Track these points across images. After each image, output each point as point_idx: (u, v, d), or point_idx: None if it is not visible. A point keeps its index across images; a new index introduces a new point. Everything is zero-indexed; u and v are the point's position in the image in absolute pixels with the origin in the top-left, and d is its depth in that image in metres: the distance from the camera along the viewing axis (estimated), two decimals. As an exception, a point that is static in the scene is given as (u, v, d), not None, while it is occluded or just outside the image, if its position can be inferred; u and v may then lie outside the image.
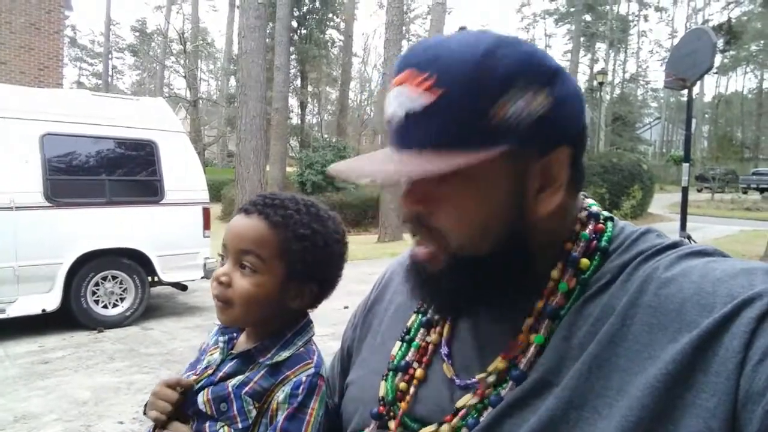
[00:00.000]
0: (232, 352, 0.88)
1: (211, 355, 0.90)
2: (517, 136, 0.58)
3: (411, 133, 0.59)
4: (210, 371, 0.85)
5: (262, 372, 0.82)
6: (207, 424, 0.81)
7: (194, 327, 5.98)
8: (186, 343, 5.36)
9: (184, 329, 5.89)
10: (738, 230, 15.10)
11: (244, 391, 0.81)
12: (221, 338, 0.90)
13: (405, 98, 0.59)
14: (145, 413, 0.87)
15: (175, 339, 5.53)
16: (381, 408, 0.71)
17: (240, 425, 0.79)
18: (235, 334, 0.90)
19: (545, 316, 0.64)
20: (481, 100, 0.56)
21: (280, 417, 0.79)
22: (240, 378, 0.82)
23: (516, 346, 0.64)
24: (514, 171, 0.61)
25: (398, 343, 0.77)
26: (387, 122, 0.63)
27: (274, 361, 0.83)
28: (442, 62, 0.57)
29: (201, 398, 0.82)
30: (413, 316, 0.79)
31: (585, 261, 0.66)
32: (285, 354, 0.84)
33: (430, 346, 0.74)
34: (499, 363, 0.65)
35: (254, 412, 0.80)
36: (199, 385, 0.84)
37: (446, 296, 0.66)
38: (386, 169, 0.62)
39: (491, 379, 0.64)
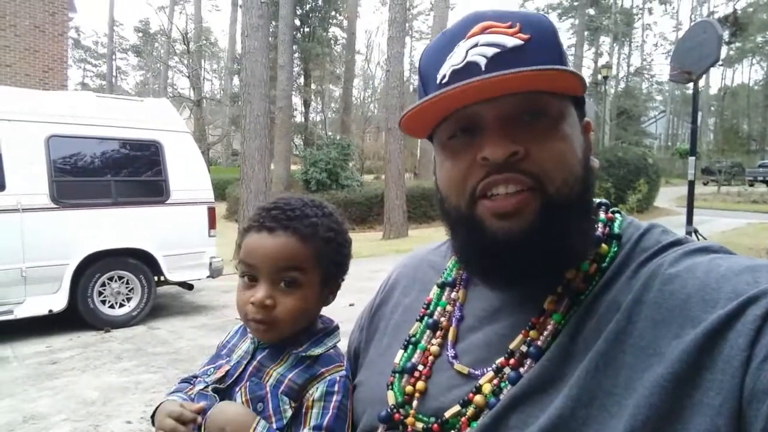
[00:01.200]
0: (263, 342, 0.89)
1: (240, 349, 0.90)
2: (581, 82, 0.63)
3: (508, 66, 0.58)
4: (241, 368, 0.86)
5: (297, 370, 0.83)
6: None
7: (201, 326, 6.01)
8: (193, 342, 5.38)
9: (191, 328, 5.92)
10: (745, 223, 15.01)
11: (280, 390, 0.81)
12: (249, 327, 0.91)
13: (496, 40, 0.61)
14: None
15: (182, 338, 5.55)
16: (396, 416, 0.70)
17: (275, 425, 0.79)
18: None
19: (566, 294, 0.65)
20: (560, 46, 0.65)
21: (323, 415, 0.79)
22: (275, 376, 0.83)
23: (537, 323, 0.65)
24: (578, 119, 0.67)
25: (400, 352, 0.77)
26: (459, 69, 0.61)
27: (307, 354, 0.84)
28: (520, 15, 0.63)
29: (239, 398, 0.83)
30: (416, 324, 0.79)
31: (604, 246, 0.68)
32: (317, 350, 0.85)
33: (436, 348, 0.74)
34: (519, 341, 0.65)
35: (289, 412, 0.80)
36: (233, 379, 0.85)
37: (527, 256, 0.61)
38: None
39: (511, 360, 0.65)
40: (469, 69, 0.60)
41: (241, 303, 0.85)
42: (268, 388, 0.82)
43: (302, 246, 0.84)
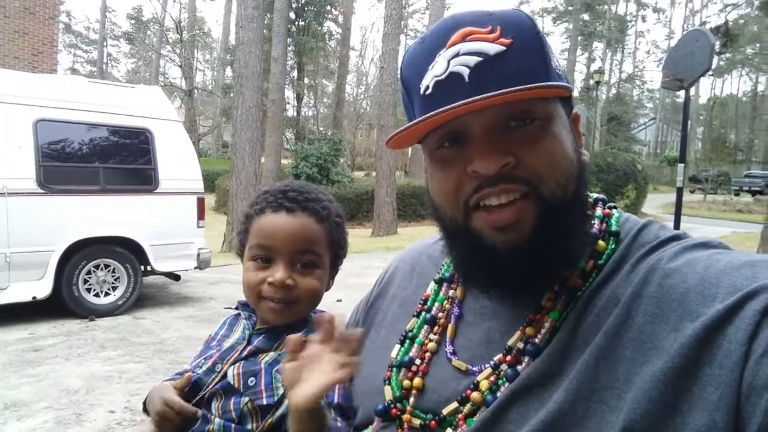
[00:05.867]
0: (258, 328, 0.88)
1: (232, 338, 0.90)
2: (566, 81, 0.62)
3: (492, 76, 0.59)
4: (237, 352, 0.86)
5: None
6: (232, 399, 0.81)
7: (187, 317, 5.96)
8: (178, 333, 5.34)
9: (177, 319, 5.88)
10: (730, 231, 15.20)
11: (275, 368, 0.81)
12: (243, 314, 0.91)
13: (477, 47, 0.60)
14: (145, 410, 0.87)
15: (167, 329, 5.51)
16: (393, 411, 0.70)
17: (264, 401, 0.79)
18: (253, 315, 0.91)
19: (563, 291, 0.65)
20: (543, 45, 0.62)
21: (332, 393, 0.79)
22: (272, 355, 0.83)
23: (535, 320, 0.65)
24: (567, 116, 0.66)
25: (397, 347, 0.77)
26: (442, 80, 0.61)
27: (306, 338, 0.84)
28: (499, 17, 0.61)
29: (231, 372, 0.82)
30: (413, 319, 0.79)
31: (601, 243, 0.68)
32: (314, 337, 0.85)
33: (433, 345, 0.73)
34: (516, 338, 0.66)
35: (281, 390, 0.80)
36: (228, 365, 0.85)
37: (527, 265, 0.62)
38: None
39: (509, 357, 0.65)
40: (452, 80, 0.60)
41: (254, 283, 0.84)
42: (262, 365, 0.82)
43: (319, 227, 0.86)
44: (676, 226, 7.74)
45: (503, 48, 0.59)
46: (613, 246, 0.68)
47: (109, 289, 6.01)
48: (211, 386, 0.83)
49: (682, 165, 7.81)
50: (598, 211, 0.73)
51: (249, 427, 0.79)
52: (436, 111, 0.57)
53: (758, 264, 0.56)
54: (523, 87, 0.56)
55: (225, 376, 0.83)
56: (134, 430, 0.87)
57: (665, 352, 0.54)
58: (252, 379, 0.81)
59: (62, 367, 4.35)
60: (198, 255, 6.45)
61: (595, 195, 0.75)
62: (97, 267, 5.92)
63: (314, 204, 0.87)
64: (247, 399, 0.80)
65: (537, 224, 0.60)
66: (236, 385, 0.81)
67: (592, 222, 0.71)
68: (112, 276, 6.02)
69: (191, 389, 0.85)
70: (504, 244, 0.61)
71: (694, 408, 0.50)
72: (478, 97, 0.56)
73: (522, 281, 0.64)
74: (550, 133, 0.62)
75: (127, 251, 6.05)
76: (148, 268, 6.22)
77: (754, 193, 30.23)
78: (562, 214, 0.61)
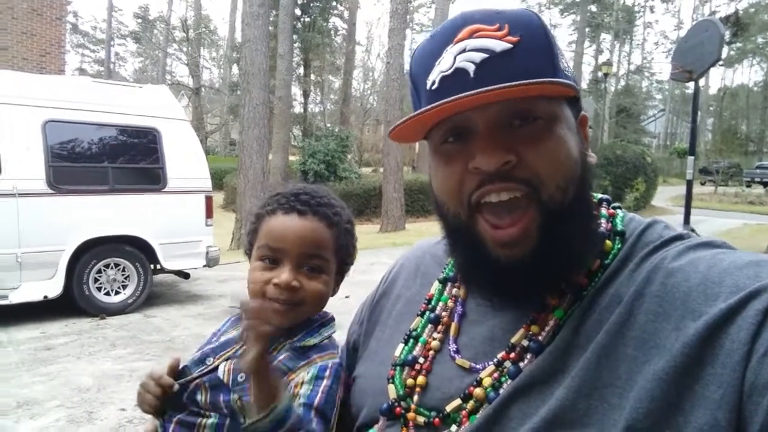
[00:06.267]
0: None
1: (229, 334, 0.90)
2: (573, 82, 0.62)
3: (497, 72, 0.58)
4: (232, 350, 0.86)
5: (288, 353, 0.83)
6: (221, 395, 0.81)
7: (196, 315, 6.00)
8: (188, 331, 5.38)
9: (186, 317, 5.92)
10: (741, 224, 15.06)
11: None
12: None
13: (484, 44, 0.60)
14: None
15: (177, 327, 5.55)
16: (397, 409, 0.70)
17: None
18: None
19: (569, 290, 0.65)
20: (551, 45, 0.63)
21: (312, 396, 0.78)
22: None
23: (539, 318, 0.65)
24: (574, 115, 0.66)
25: (401, 345, 0.77)
26: (448, 75, 0.61)
27: (302, 344, 0.84)
28: (508, 16, 0.62)
29: (222, 368, 0.83)
30: (417, 318, 0.79)
31: (608, 243, 0.68)
32: (313, 341, 0.86)
33: (437, 343, 0.74)
34: (520, 335, 0.66)
35: None
36: (221, 360, 0.85)
37: (532, 277, 0.62)
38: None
39: (512, 354, 0.65)
40: (457, 75, 0.60)
41: (259, 283, 0.84)
42: None
43: (329, 232, 0.86)
44: (686, 218, 7.67)
45: (510, 46, 0.59)
46: (619, 245, 0.68)
47: (119, 287, 6.07)
48: (197, 375, 0.84)
49: (692, 157, 7.74)
50: (603, 211, 0.73)
51: (240, 421, 0.80)
52: (437, 103, 0.58)
53: (762, 264, 0.56)
54: (525, 81, 0.56)
55: (215, 370, 0.83)
56: (141, 429, 0.87)
57: (667, 350, 0.54)
58: (242, 375, 0.81)
59: (74, 365, 4.39)
60: (207, 253, 6.48)
61: (599, 195, 0.75)
62: (107, 266, 5.97)
63: (326, 209, 0.87)
64: (236, 396, 0.80)
65: (541, 235, 0.61)
66: (225, 381, 0.81)
67: (599, 221, 0.70)
68: (122, 275, 6.07)
69: (179, 377, 0.86)
70: (508, 258, 0.62)
71: (697, 407, 0.50)
72: (479, 90, 0.56)
73: (525, 292, 0.65)
74: (554, 133, 0.62)
75: (136, 250, 6.10)
76: (158, 266, 6.27)
77: (766, 185, 29.86)
78: (564, 222, 0.61)
